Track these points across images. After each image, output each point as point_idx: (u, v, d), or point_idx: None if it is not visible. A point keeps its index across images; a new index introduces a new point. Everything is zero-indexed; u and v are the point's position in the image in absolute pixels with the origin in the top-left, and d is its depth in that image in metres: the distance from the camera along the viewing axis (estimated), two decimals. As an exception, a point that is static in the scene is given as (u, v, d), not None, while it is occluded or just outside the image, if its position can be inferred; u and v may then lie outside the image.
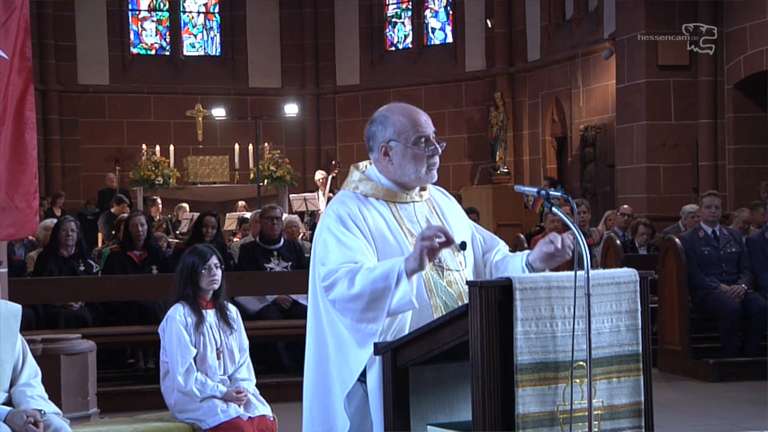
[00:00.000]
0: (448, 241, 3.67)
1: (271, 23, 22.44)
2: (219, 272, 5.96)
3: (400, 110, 3.96)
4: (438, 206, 4.08)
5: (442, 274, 3.91)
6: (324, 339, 3.92)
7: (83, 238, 9.92)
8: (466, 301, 3.85)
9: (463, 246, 3.94)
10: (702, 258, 9.90)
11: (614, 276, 3.62)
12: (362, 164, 4.08)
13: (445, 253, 3.91)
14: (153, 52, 22.62)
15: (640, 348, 3.63)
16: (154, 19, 22.67)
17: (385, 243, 3.86)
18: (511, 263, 3.99)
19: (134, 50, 22.37)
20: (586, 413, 3.44)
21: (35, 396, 4.55)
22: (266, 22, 22.38)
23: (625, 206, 13.17)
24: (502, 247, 4.17)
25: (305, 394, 4.02)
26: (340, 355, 3.86)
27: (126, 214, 11.78)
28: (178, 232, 15.71)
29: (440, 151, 3.94)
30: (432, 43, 22.21)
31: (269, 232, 10.02)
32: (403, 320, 3.83)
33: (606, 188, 17.30)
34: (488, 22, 20.47)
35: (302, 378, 4.04)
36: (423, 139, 3.90)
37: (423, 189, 4.05)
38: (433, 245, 3.61)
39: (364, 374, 3.82)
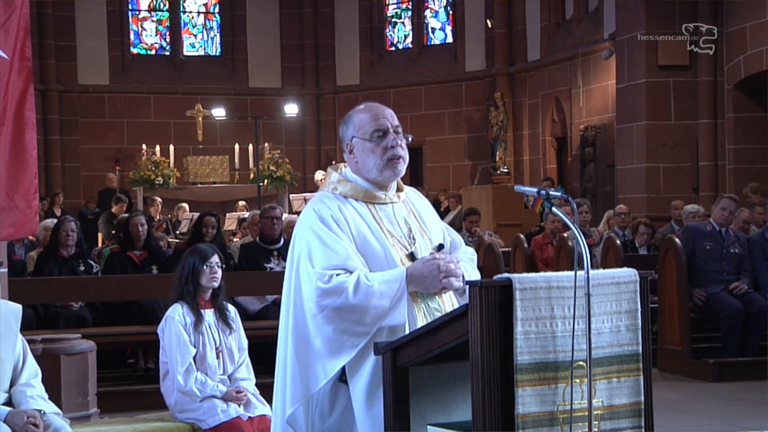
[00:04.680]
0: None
1: (271, 23, 22.45)
2: (220, 271, 5.98)
3: (363, 108, 3.98)
4: (414, 207, 4.08)
5: None
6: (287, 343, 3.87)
7: (83, 238, 9.92)
8: (444, 301, 3.89)
9: (440, 248, 3.95)
10: (703, 252, 9.85)
11: (614, 276, 3.62)
12: (339, 166, 4.07)
13: (424, 253, 3.91)
14: (153, 52, 22.63)
15: (640, 348, 3.63)
16: (154, 19, 22.68)
17: (365, 244, 3.84)
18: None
19: (134, 50, 22.39)
20: (586, 413, 3.44)
21: (35, 396, 4.55)
22: (266, 22, 22.38)
23: (621, 206, 13.17)
24: (463, 249, 4.17)
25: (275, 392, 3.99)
26: (302, 364, 3.80)
27: (126, 214, 11.77)
28: (178, 232, 15.71)
29: (400, 143, 3.91)
30: (432, 43, 22.21)
31: (269, 232, 10.01)
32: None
33: (606, 188, 17.30)
34: (488, 22, 20.47)
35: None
36: (380, 132, 3.89)
37: (400, 189, 4.04)
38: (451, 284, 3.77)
39: (345, 375, 3.80)
